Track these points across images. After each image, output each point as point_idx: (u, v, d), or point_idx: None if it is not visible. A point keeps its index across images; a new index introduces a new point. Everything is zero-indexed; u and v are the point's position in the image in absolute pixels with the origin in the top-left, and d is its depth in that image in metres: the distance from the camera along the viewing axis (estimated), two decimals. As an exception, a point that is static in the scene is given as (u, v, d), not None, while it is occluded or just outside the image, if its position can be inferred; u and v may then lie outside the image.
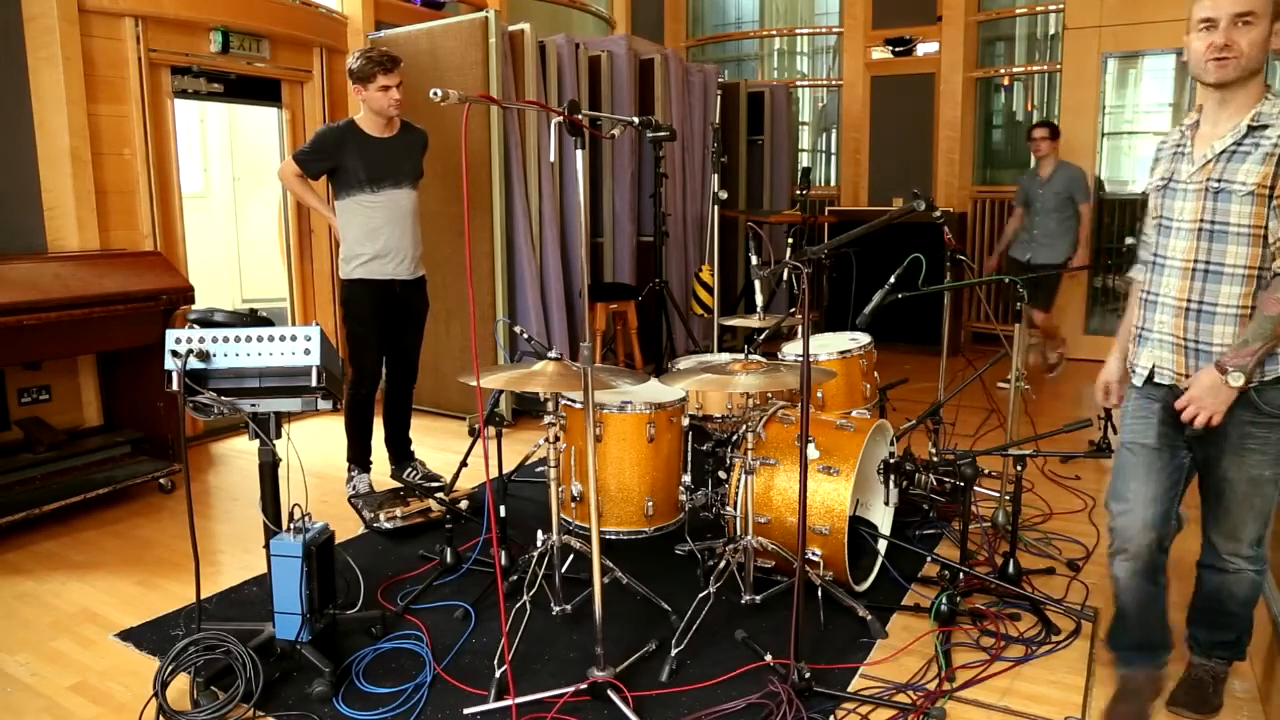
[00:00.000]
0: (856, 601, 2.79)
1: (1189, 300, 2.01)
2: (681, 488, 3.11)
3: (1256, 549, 2.16)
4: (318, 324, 2.38)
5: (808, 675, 2.34)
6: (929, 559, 3.19)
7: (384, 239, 3.76)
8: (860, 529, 3.15)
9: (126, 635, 2.75)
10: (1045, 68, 7.49)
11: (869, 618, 2.73)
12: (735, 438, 3.07)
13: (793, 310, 3.21)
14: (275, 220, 5.52)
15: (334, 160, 3.71)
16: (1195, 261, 1.99)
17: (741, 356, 2.85)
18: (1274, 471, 2.02)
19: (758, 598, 2.83)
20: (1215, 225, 1.95)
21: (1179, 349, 2.04)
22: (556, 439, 2.69)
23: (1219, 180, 1.94)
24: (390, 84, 3.67)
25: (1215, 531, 2.19)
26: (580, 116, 2.16)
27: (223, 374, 2.35)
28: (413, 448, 4.19)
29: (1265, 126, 1.90)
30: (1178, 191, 2.03)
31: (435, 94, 2.05)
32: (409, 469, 4.12)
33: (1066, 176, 5.72)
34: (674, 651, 2.53)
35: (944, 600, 2.72)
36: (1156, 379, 2.10)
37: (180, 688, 2.37)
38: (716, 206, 5.14)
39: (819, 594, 2.81)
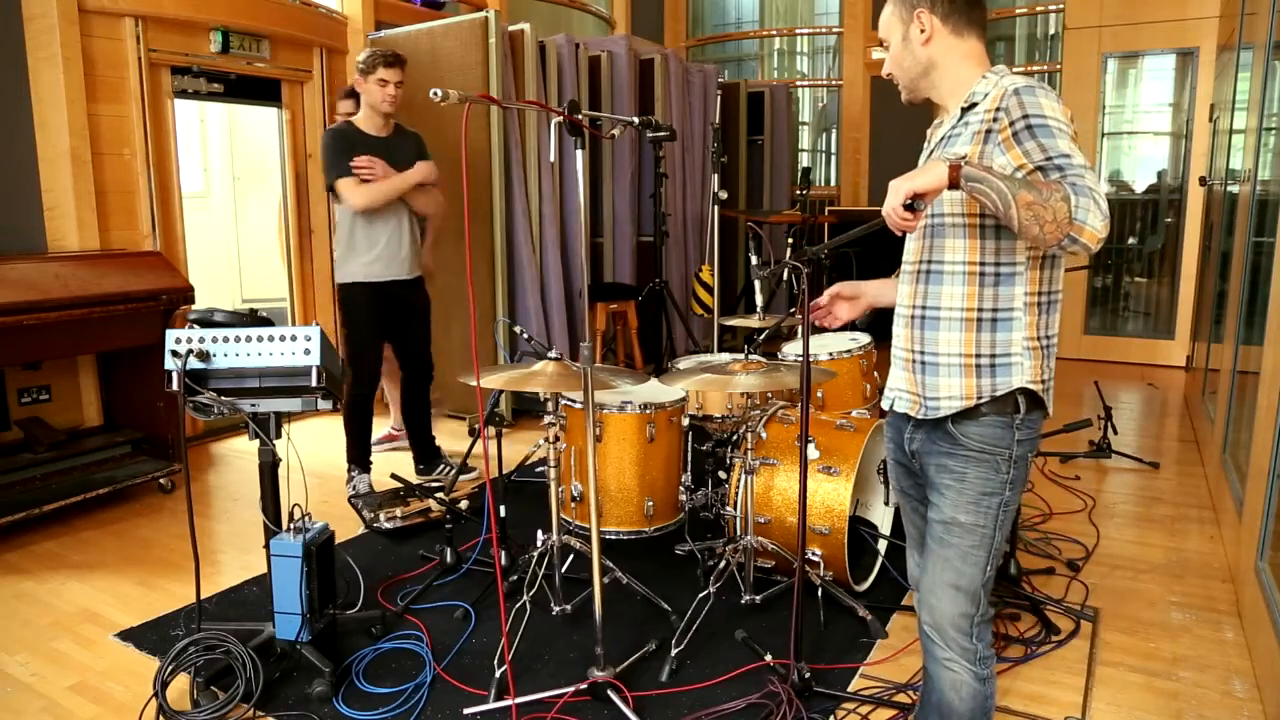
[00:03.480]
0: (856, 601, 2.79)
1: (914, 307, 1.76)
2: (681, 488, 3.12)
3: (971, 641, 1.74)
4: (318, 324, 2.38)
5: (808, 675, 2.34)
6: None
7: (385, 241, 3.78)
8: (860, 529, 3.15)
9: (126, 635, 2.75)
10: (1045, 68, 7.50)
11: (869, 618, 2.73)
12: (735, 438, 3.07)
13: (793, 310, 3.21)
14: (275, 220, 5.52)
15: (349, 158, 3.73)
16: (920, 263, 1.75)
17: (741, 356, 2.85)
18: (971, 519, 1.70)
19: (758, 598, 2.83)
20: (934, 220, 1.71)
21: (909, 364, 1.78)
22: (556, 439, 2.69)
23: None
24: (389, 79, 3.69)
25: (919, 598, 1.83)
26: (580, 116, 2.16)
27: (223, 374, 2.35)
28: (437, 443, 4.24)
29: (975, 105, 1.67)
30: None
31: (435, 94, 2.05)
32: (440, 466, 4.15)
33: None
34: (674, 651, 2.53)
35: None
36: (896, 405, 1.83)
37: (180, 688, 2.37)
38: (716, 206, 5.14)
39: (819, 594, 2.81)
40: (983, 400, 1.68)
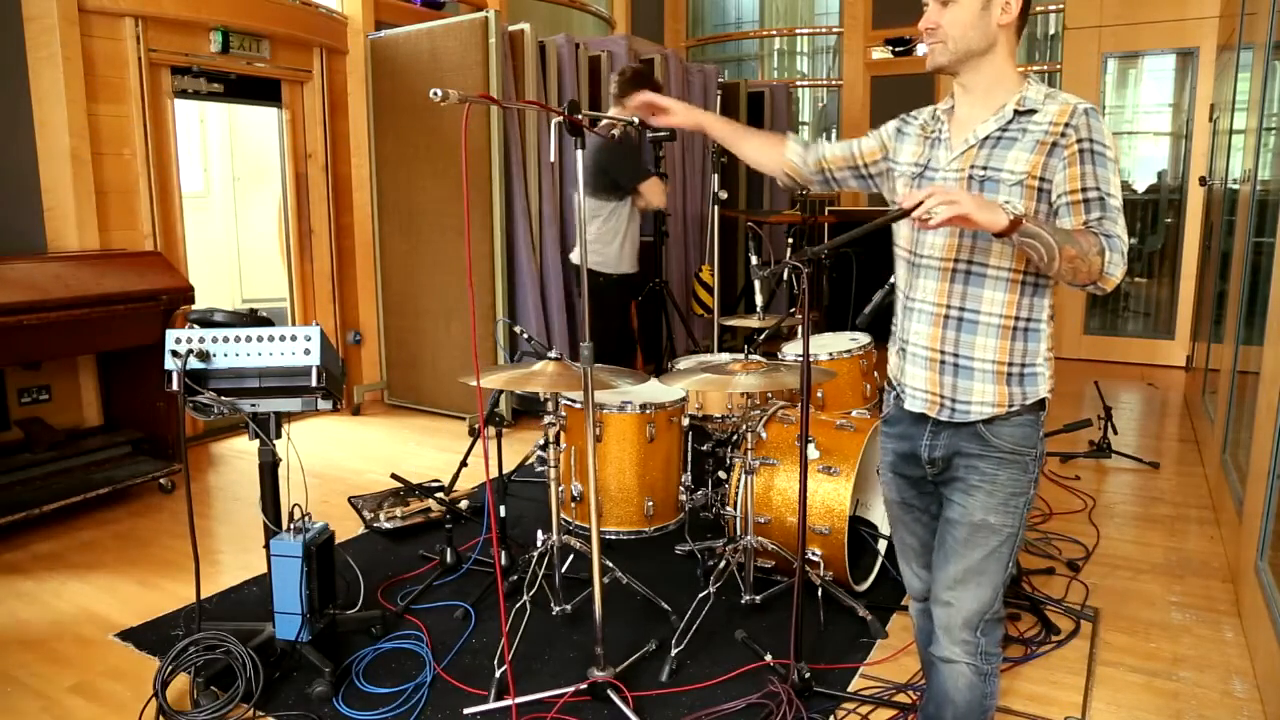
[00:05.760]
0: (856, 601, 2.79)
1: (948, 307, 1.72)
2: (681, 488, 3.11)
3: (976, 635, 1.77)
4: (318, 324, 2.37)
5: (808, 675, 2.34)
6: (929, 559, 3.19)
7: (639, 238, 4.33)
8: (860, 529, 3.15)
9: (126, 635, 2.75)
10: (1045, 68, 7.49)
11: (869, 618, 2.73)
12: (735, 438, 3.07)
13: (793, 310, 3.21)
14: (275, 220, 5.52)
15: None
16: (956, 261, 1.71)
17: (741, 356, 2.85)
18: (1000, 520, 1.71)
19: (758, 598, 2.83)
20: None
21: (933, 364, 1.75)
22: (556, 439, 2.69)
23: (985, 168, 1.67)
24: None
25: (932, 598, 1.85)
26: (580, 116, 2.16)
27: (223, 374, 2.35)
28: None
29: (1033, 111, 1.65)
30: (936, 180, 1.74)
31: (435, 94, 2.04)
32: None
33: None
34: (674, 651, 2.53)
35: (944, 600, 2.72)
36: (909, 404, 1.80)
37: (180, 688, 2.37)
38: (716, 206, 5.13)
39: (819, 594, 2.81)
40: (1013, 408, 1.70)
